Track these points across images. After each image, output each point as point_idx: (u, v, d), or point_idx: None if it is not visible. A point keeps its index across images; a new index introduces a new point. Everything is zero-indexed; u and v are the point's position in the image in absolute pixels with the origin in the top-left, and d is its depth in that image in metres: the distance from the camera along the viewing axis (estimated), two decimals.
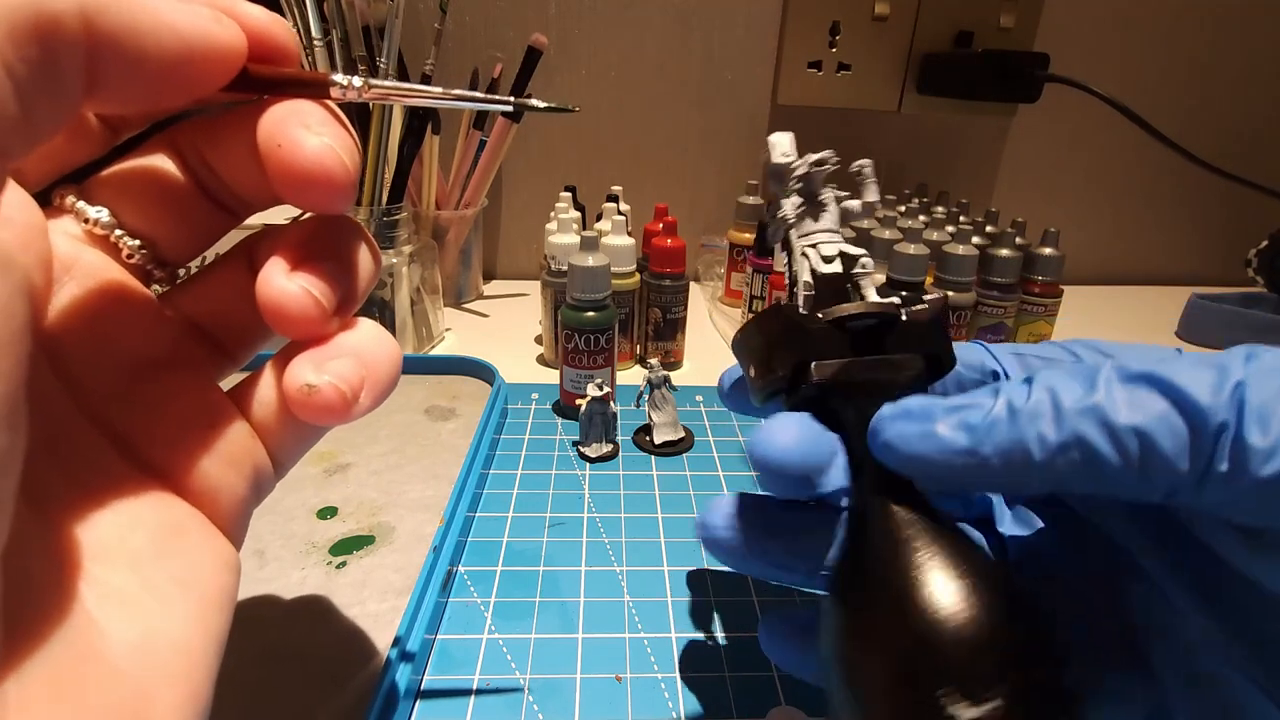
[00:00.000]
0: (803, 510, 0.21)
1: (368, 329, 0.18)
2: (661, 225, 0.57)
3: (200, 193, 0.17)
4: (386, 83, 0.17)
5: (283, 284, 0.16)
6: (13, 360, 0.10)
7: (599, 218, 0.60)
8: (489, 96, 0.18)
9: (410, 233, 0.56)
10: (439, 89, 0.18)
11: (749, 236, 0.65)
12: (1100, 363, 0.16)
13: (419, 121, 0.57)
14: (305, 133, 0.15)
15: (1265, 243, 0.68)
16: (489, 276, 0.77)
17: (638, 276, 0.54)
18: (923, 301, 0.20)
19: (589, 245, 0.46)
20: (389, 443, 0.42)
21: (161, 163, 0.17)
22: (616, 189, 0.64)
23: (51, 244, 0.14)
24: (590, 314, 0.45)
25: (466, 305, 0.68)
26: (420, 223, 0.63)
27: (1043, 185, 0.83)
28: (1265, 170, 0.67)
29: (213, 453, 0.17)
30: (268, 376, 0.18)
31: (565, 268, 0.47)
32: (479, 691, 0.27)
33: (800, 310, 0.21)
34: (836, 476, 0.18)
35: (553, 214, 0.57)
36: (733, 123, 0.75)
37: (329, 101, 0.16)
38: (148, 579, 0.14)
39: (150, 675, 0.13)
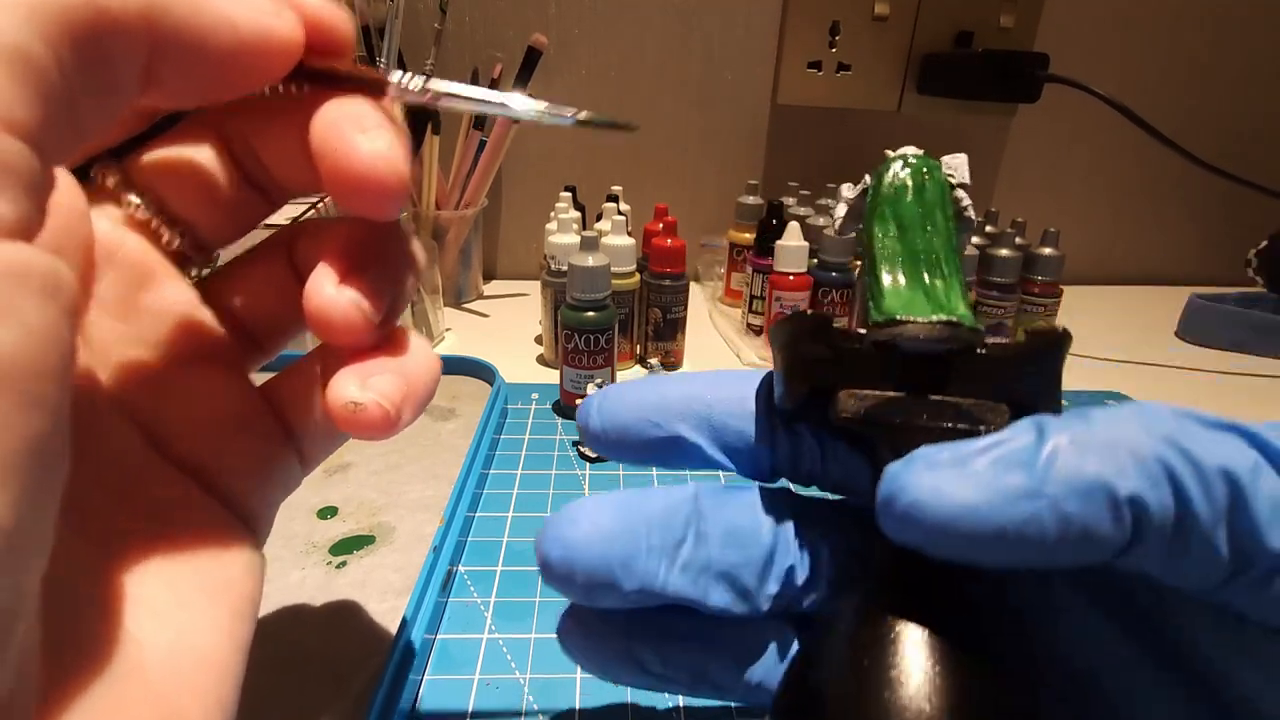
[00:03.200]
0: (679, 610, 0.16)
1: (410, 342, 0.17)
2: (661, 225, 0.57)
3: (243, 180, 0.17)
4: (447, 85, 0.16)
5: (332, 295, 0.15)
6: (57, 390, 0.09)
7: (599, 218, 0.60)
8: (553, 109, 0.17)
9: (410, 232, 0.56)
10: (499, 96, 0.16)
11: (749, 236, 0.65)
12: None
13: (419, 121, 0.57)
14: (361, 138, 0.14)
15: (1265, 242, 0.68)
16: (489, 276, 0.77)
17: (638, 276, 0.54)
18: (1029, 331, 0.15)
19: (589, 245, 0.46)
20: (389, 443, 0.42)
21: (206, 148, 0.16)
22: (616, 189, 0.64)
23: (93, 229, 0.14)
24: (590, 314, 0.45)
25: (466, 305, 0.68)
26: (420, 223, 0.63)
27: (1043, 185, 0.83)
28: (1265, 170, 0.67)
29: (243, 449, 0.17)
30: (301, 374, 0.18)
31: (565, 268, 0.47)
32: (479, 692, 0.27)
33: (843, 322, 0.16)
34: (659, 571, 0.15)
35: (553, 214, 0.57)
36: (733, 123, 0.75)
37: (384, 102, 0.16)
38: (178, 586, 0.14)
39: (181, 688, 0.13)
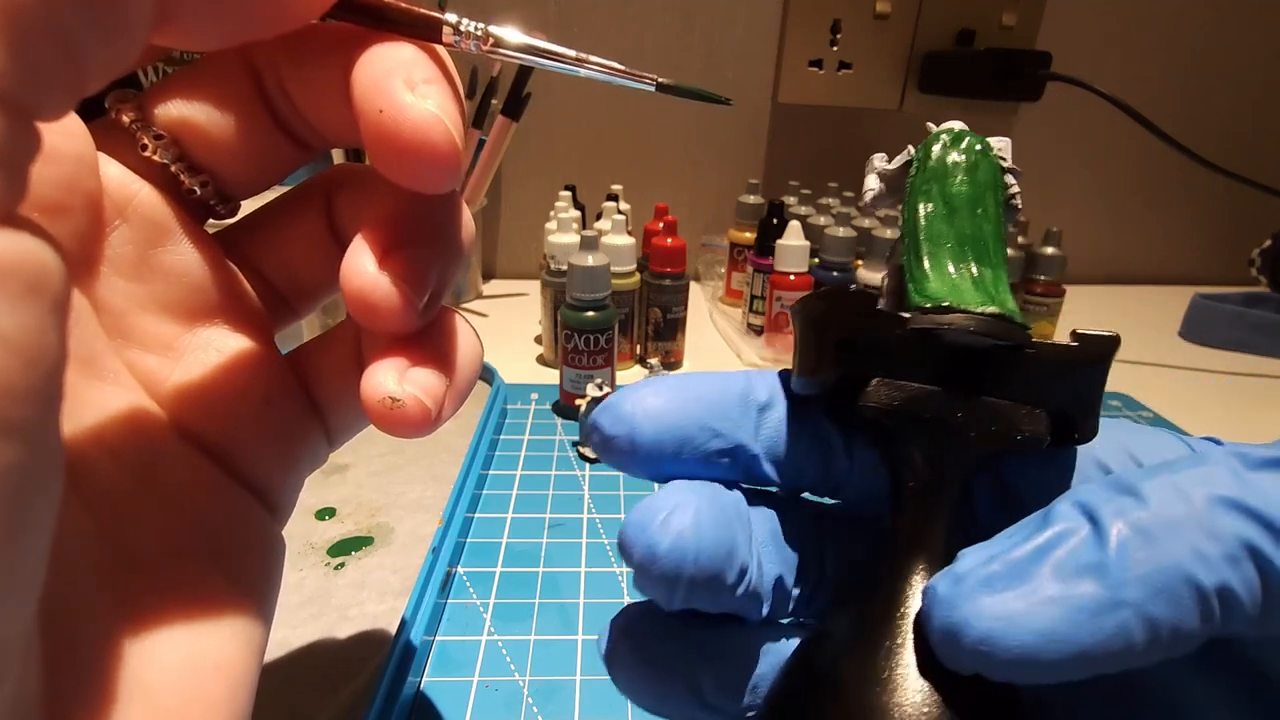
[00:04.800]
0: (725, 622, 0.15)
1: (454, 327, 0.16)
2: (661, 225, 0.57)
3: (274, 123, 0.15)
4: (513, 33, 0.14)
5: (373, 276, 0.13)
6: (40, 411, 0.08)
7: (599, 217, 0.60)
8: (631, 72, 0.15)
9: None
10: (573, 52, 0.14)
11: (749, 236, 0.65)
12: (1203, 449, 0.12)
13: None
14: (408, 97, 0.12)
15: (1268, 242, 0.67)
16: (488, 276, 0.77)
17: (638, 276, 0.54)
18: (1078, 334, 0.14)
19: (589, 245, 0.46)
20: (387, 443, 0.42)
21: (233, 84, 0.14)
22: (616, 188, 0.63)
23: (103, 177, 0.13)
24: (590, 314, 0.45)
25: (466, 305, 0.68)
26: None
27: (1045, 184, 0.83)
28: (1268, 169, 0.67)
29: (266, 425, 0.15)
30: (333, 345, 0.17)
31: (565, 267, 0.47)
32: (478, 694, 0.27)
33: (883, 303, 0.15)
34: (760, 578, 0.14)
35: (552, 213, 0.56)
36: (733, 122, 0.75)
37: (439, 49, 0.14)
38: (192, 588, 0.13)
39: (194, 706, 0.12)
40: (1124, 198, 0.85)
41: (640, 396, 0.14)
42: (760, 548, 0.14)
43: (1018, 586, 0.10)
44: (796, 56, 0.70)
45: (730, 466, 0.15)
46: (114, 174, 0.14)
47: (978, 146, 0.16)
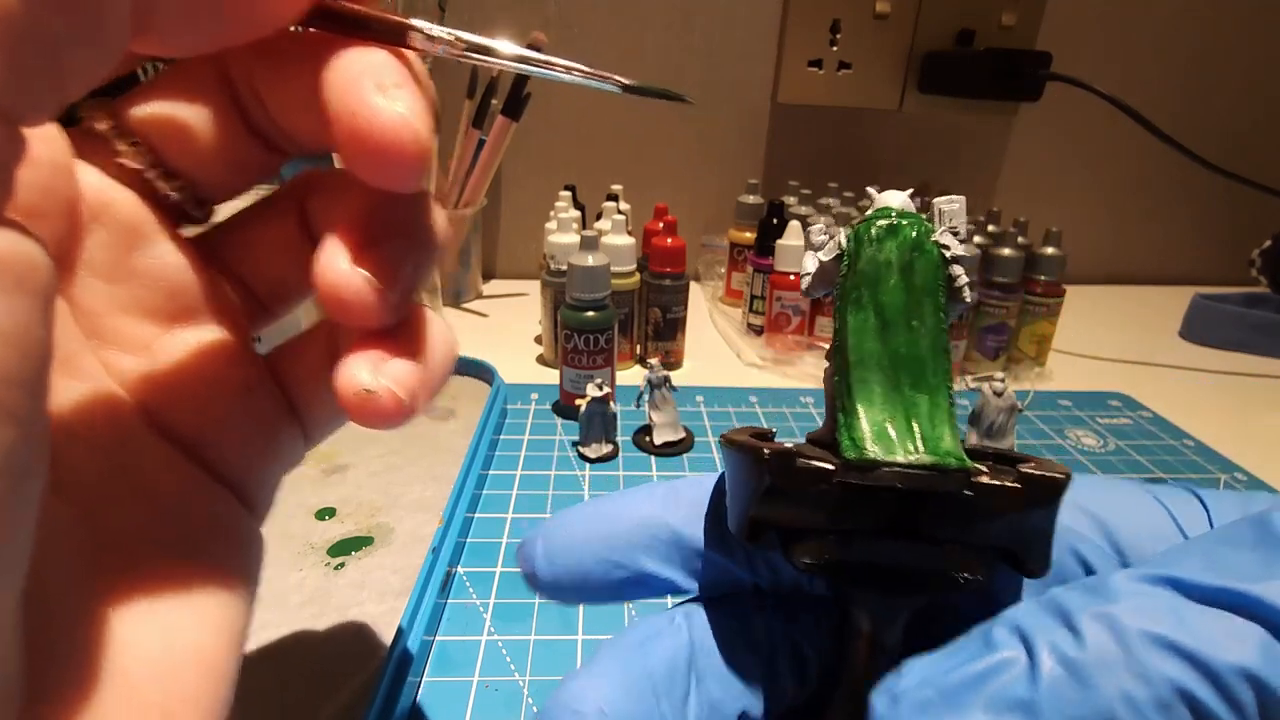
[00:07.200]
0: None
1: (428, 322, 0.16)
2: (661, 225, 0.57)
3: (247, 130, 0.15)
4: (480, 38, 0.14)
5: (345, 272, 0.14)
6: (28, 398, 0.08)
7: (599, 217, 0.60)
8: (597, 73, 0.15)
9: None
10: (539, 55, 0.15)
11: (749, 236, 0.65)
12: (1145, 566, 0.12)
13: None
14: (379, 100, 0.13)
15: (1269, 242, 0.67)
16: (488, 276, 0.77)
17: (638, 276, 0.54)
18: (1019, 468, 0.13)
19: (589, 245, 0.46)
20: (388, 443, 0.42)
21: (207, 94, 0.15)
22: (616, 188, 0.63)
23: (80, 182, 0.14)
24: (590, 314, 0.45)
25: (466, 305, 0.68)
26: None
27: (1045, 184, 0.83)
28: (1268, 169, 0.67)
29: (243, 423, 0.16)
30: (307, 345, 0.17)
31: (565, 267, 0.47)
32: (478, 694, 0.27)
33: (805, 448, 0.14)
34: None
35: (552, 213, 0.56)
36: (733, 121, 0.75)
37: (407, 53, 0.14)
38: (170, 577, 0.13)
39: (171, 695, 0.12)
40: (1124, 198, 0.85)
41: (546, 535, 0.16)
42: (706, 697, 0.15)
43: (951, 716, 0.11)
44: (796, 56, 0.70)
45: (644, 590, 0.16)
46: (91, 180, 0.14)
47: (913, 236, 0.14)
